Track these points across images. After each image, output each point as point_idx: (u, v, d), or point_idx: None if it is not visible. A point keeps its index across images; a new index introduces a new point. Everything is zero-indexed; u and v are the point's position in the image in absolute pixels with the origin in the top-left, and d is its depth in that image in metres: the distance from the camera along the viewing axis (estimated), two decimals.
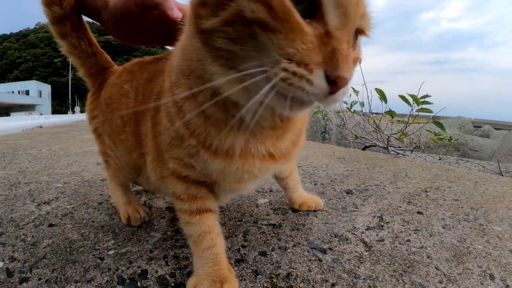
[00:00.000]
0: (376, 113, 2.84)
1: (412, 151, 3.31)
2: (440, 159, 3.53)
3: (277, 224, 0.94)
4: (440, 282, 0.68)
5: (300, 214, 1.03)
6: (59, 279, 0.67)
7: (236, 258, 0.75)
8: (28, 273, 0.70)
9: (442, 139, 2.76)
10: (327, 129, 4.23)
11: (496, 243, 0.90)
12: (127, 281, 0.65)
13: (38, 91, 43.75)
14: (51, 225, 0.92)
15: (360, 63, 0.51)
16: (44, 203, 1.10)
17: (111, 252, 0.77)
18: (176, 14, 0.83)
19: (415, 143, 3.15)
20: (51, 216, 0.98)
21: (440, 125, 2.32)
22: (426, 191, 1.35)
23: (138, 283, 0.65)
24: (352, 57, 0.43)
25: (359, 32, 0.46)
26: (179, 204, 0.70)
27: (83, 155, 2.15)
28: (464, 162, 3.69)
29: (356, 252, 0.79)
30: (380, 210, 1.09)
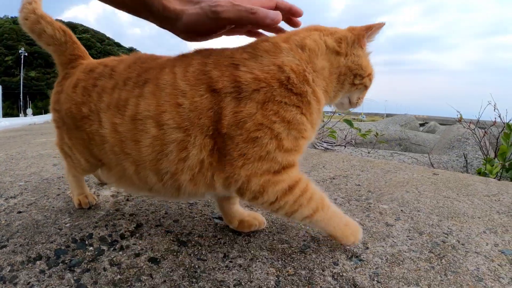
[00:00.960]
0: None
1: (345, 146, 3.62)
2: (368, 153, 3.81)
3: (193, 203, 1.25)
4: (304, 240, 0.97)
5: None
6: (29, 243, 0.93)
7: (156, 224, 1.06)
8: (6, 242, 0.93)
9: (365, 135, 3.14)
10: None
11: (375, 217, 1.16)
12: (78, 240, 0.94)
13: None
14: (19, 212, 1.16)
15: None
16: (10, 198, 1.31)
17: (67, 224, 1.05)
18: (272, 18, 0.85)
19: (346, 140, 3.48)
20: (18, 206, 1.21)
21: (350, 123, 2.71)
22: (333, 178, 1.65)
23: (86, 241, 0.94)
24: None
25: None
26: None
27: (40, 157, 2.32)
28: (398, 155, 3.98)
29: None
30: None
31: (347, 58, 0.87)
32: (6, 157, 2.43)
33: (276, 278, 0.79)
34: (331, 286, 0.77)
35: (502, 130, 2.61)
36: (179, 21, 0.86)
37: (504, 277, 0.83)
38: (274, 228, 1.06)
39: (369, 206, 1.28)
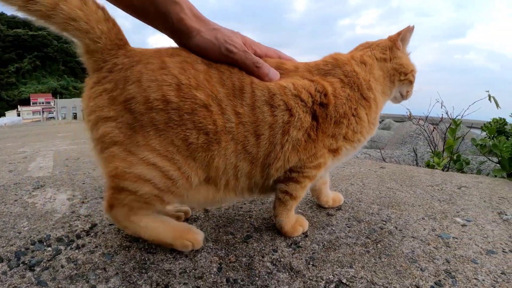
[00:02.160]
0: None
1: None
2: None
3: None
4: (248, 231, 1.07)
5: None
6: None
7: (109, 223, 1.13)
8: None
9: None
10: None
11: (317, 208, 1.27)
12: (37, 242, 0.99)
13: None
14: None
15: None
16: None
17: (26, 228, 1.09)
18: (270, 78, 0.93)
19: None
20: None
21: None
22: None
23: (44, 242, 1.00)
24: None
25: None
26: (315, 171, 0.98)
27: None
28: None
29: (195, 216, 1.19)
30: None
31: (392, 62, 1.09)
32: None
33: (219, 265, 0.89)
34: (269, 270, 0.86)
35: (449, 126, 2.82)
36: (192, 39, 0.90)
37: (439, 258, 0.93)
38: (221, 221, 1.16)
39: (312, 198, 1.37)
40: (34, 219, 1.18)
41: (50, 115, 57.90)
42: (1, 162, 2.35)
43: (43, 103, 75.03)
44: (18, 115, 54.98)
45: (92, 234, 1.06)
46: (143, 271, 0.86)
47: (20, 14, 0.76)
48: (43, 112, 62.11)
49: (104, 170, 0.85)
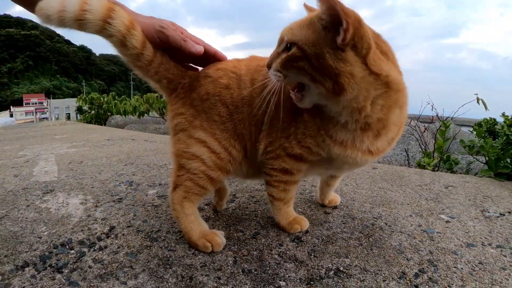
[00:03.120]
0: None
1: None
2: None
3: (158, 205, 1.41)
4: (255, 229, 1.17)
5: None
6: (13, 253, 1.02)
7: (127, 225, 1.21)
8: None
9: None
10: None
11: (315, 207, 1.37)
12: (59, 246, 1.07)
13: None
14: None
15: None
16: None
17: (45, 233, 1.16)
18: (196, 49, 1.10)
19: None
20: None
21: None
22: None
23: (67, 245, 1.07)
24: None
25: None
26: (287, 177, 1.08)
27: None
28: None
29: (206, 216, 1.28)
30: (236, 191, 1.58)
31: None
32: None
33: (234, 259, 0.99)
34: (277, 261, 0.98)
35: (439, 127, 2.91)
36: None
37: (424, 250, 1.05)
38: (230, 220, 1.25)
39: (312, 199, 1.48)
40: (51, 223, 1.24)
41: (43, 116, 57.67)
42: (4, 167, 2.35)
43: (36, 103, 73.44)
44: (11, 116, 53.80)
45: (112, 236, 1.14)
46: (168, 266, 0.95)
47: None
48: (36, 112, 62.38)
49: (172, 150, 1.11)
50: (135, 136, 4.00)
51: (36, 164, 2.43)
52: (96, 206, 1.42)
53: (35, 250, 1.05)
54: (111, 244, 1.08)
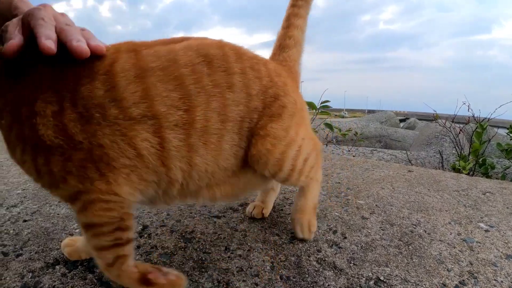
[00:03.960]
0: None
1: (327, 145, 3.74)
2: (349, 151, 3.96)
3: (191, 204, 1.37)
4: (292, 233, 1.12)
5: None
6: (44, 250, 1.00)
7: (161, 225, 1.18)
8: (20, 250, 0.98)
9: (346, 134, 3.31)
10: None
11: (353, 211, 1.31)
12: None
13: None
14: (25, 221, 1.21)
15: None
16: (12, 207, 1.35)
17: (77, 230, 1.14)
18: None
19: (328, 138, 3.61)
20: (22, 215, 1.26)
21: (330, 126, 2.89)
22: None
23: None
24: None
25: None
26: None
27: None
28: (378, 152, 4.09)
29: (240, 217, 1.25)
30: None
31: None
32: None
33: (271, 264, 0.95)
34: (316, 268, 0.93)
35: (476, 129, 2.81)
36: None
37: (464, 260, 1.00)
38: (265, 223, 1.21)
39: (348, 202, 1.43)
40: None
41: None
42: None
43: None
44: None
45: (145, 235, 1.11)
46: (203, 270, 0.91)
47: None
48: None
49: None
50: None
51: None
52: None
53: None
54: (144, 244, 1.05)
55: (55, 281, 0.86)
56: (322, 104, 2.82)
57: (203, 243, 1.06)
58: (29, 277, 0.87)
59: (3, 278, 0.86)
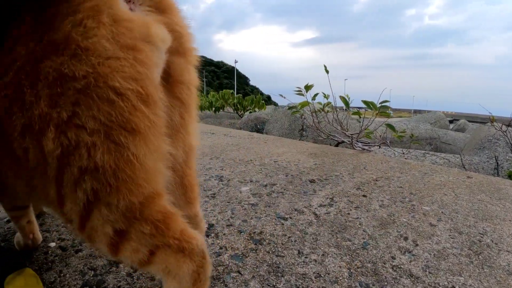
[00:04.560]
0: (359, 107, 3.18)
1: (380, 146, 3.64)
2: (403, 154, 3.82)
3: (254, 203, 1.35)
4: (363, 238, 1.09)
5: (272, 196, 1.44)
6: None
7: (227, 224, 1.16)
8: (79, 246, 0.96)
9: (401, 136, 3.17)
10: (304, 126, 4.60)
11: (420, 218, 1.28)
12: None
13: None
14: None
15: None
16: None
17: None
18: None
19: (382, 140, 3.48)
20: None
21: (392, 127, 2.77)
22: (376, 180, 1.74)
23: None
24: None
25: None
26: None
27: None
28: (430, 156, 3.94)
29: (308, 219, 1.21)
30: (333, 194, 1.50)
31: None
32: None
33: (348, 270, 0.91)
34: (393, 276, 0.90)
35: None
36: None
37: None
38: (335, 227, 1.16)
39: (413, 208, 1.39)
40: None
41: None
42: None
43: None
44: None
45: (212, 235, 1.09)
46: (279, 274, 0.88)
47: None
48: None
49: None
50: (214, 130, 4.07)
51: None
52: None
53: None
54: (212, 244, 1.04)
55: (120, 281, 0.82)
56: (381, 104, 2.71)
57: (274, 245, 1.03)
58: (91, 275, 0.83)
59: (62, 275, 0.84)
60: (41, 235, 0.99)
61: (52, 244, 0.98)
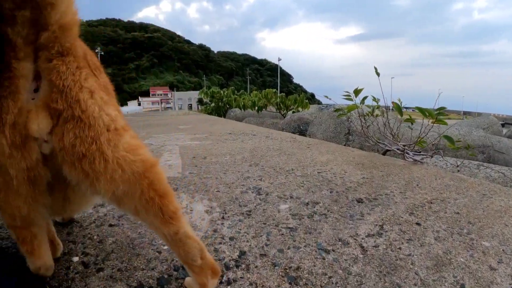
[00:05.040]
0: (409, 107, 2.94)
1: (432, 156, 3.34)
2: (457, 166, 3.52)
3: (293, 227, 1.16)
4: (415, 285, 0.87)
5: (314, 218, 1.23)
6: (128, 268, 0.88)
7: (260, 253, 0.97)
8: (102, 264, 0.89)
9: (458, 148, 2.87)
10: (350, 130, 4.32)
11: (479, 257, 1.03)
12: (180, 268, 0.87)
13: None
14: (111, 225, 1.12)
15: None
16: (99, 206, 1.29)
17: (165, 247, 0.99)
18: None
19: (435, 149, 3.19)
20: (109, 218, 1.18)
21: (450, 139, 2.49)
22: (430, 203, 1.48)
23: None
24: None
25: None
26: None
27: None
28: (484, 168, 3.63)
29: (353, 254, 1.00)
30: (383, 220, 1.26)
31: None
32: None
33: None
34: None
35: None
36: None
37: None
38: (383, 267, 0.94)
39: (472, 243, 1.13)
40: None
41: (168, 105, 64.53)
42: None
43: (161, 94, 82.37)
44: (139, 104, 61.65)
45: (243, 266, 0.91)
46: None
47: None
48: (161, 102, 68.53)
49: None
50: (255, 131, 3.93)
51: (160, 155, 2.46)
52: (223, 218, 1.22)
53: (152, 269, 0.88)
54: (241, 278, 0.85)
55: None
56: (438, 112, 2.44)
57: (312, 287, 0.83)
58: None
59: None
60: (66, 246, 0.98)
61: (75, 259, 0.93)
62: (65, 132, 0.59)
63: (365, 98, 2.89)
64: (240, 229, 1.12)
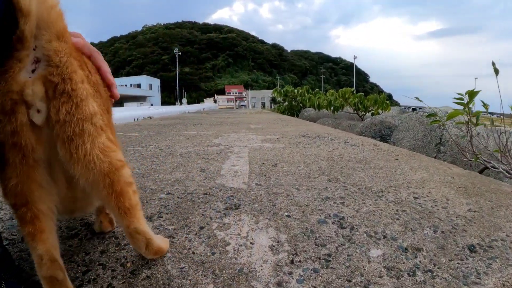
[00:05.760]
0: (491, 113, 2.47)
1: None
2: None
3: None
4: None
5: (416, 279, 0.81)
6: None
7: None
8: None
9: None
10: (442, 140, 3.73)
11: None
12: None
13: (148, 84, 51.06)
14: None
15: None
16: (146, 218, 1.09)
17: None
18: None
19: None
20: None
21: None
22: None
23: None
24: None
25: None
26: None
27: (187, 156, 2.25)
28: None
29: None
30: (504, 285, 0.81)
31: None
32: (155, 151, 2.54)
33: None
34: None
35: None
36: None
37: None
38: None
39: None
40: (222, 281, 0.78)
41: (242, 104, 68.40)
42: (195, 156, 2.29)
43: (236, 93, 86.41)
44: (215, 102, 65.40)
45: None
46: None
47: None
48: (236, 100, 72.94)
49: None
50: (331, 134, 3.58)
51: (227, 158, 2.23)
52: (293, 262, 0.87)
53: None
54: None
55: None
56: None
57: None
58: None
59: None
60: (95, 271, 0.86)
61: None
62: (61, 105, 0.63)
63: (471, 101, 2.33)
64: (315, 285, 0.77)
